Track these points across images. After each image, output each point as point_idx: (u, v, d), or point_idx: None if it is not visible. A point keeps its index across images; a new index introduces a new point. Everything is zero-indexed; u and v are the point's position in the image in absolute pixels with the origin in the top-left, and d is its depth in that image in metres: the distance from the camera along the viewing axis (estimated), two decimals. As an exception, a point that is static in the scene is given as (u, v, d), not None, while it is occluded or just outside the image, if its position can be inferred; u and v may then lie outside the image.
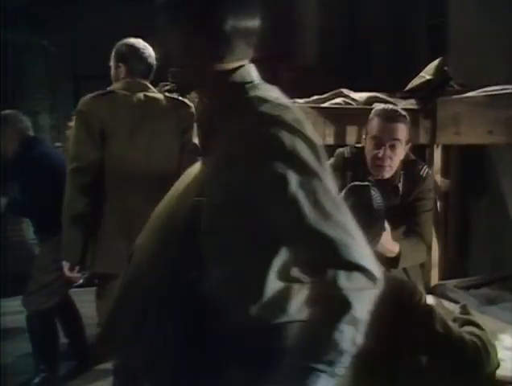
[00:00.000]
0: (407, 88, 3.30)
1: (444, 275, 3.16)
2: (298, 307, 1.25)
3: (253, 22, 1.19)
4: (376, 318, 1.52)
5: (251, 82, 1.19)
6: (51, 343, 3.33)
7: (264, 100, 1.11)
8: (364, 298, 1.07)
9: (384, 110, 2.38)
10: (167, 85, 3.61)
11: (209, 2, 1.13)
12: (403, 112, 2.38)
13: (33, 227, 3.60)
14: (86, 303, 3.59)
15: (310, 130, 1.12)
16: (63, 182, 2.71)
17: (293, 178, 1.06)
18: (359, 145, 2.55)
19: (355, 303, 1.05)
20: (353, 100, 3.49)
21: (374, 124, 2.33)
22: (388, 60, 5.37)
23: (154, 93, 2.73)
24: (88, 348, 3.60)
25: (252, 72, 1.22)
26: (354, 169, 2.39)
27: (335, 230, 1.06)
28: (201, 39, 1.14)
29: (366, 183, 1.89)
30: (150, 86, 2.73)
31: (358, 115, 3.30)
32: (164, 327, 1.51)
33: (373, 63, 5.58)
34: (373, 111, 2.42)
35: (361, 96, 3.55)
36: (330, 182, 1.12)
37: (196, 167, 1.57)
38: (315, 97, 3.52)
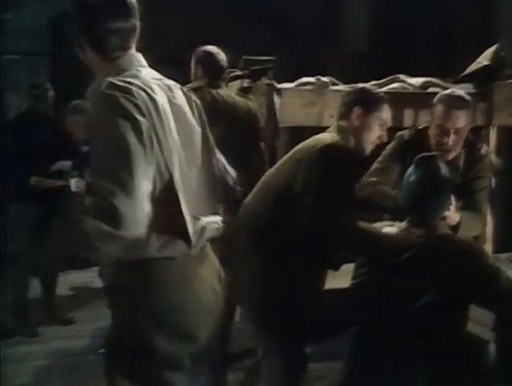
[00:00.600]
0: (465, 73, 3.47)
1: (498, 248, 3.34)
2: None
3: (123, 24, 1.52)
4: (449, 275, 1.79)
5: (125, 69, 1.52)
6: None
7: (106, 81, 1.45)
8: None
9: (448, 97, 2.44)
10: (232, 72, 3.90)
11: (83, 13, 1.51)
12: (467, 97, 2.47)
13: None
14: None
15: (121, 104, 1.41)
16: None
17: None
18: (420, 127, 2.67)
19: None
20: (409, 84, 3.71)
21: (439, 111, 2.40)
22: (435, 48, 5.51)
23: (225, 89, 3.13)
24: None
25: (129, 61, 1.55)
26: (414, 150, 2.44)
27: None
28: (84, 38, 1.53)
29: (434, 154, 2.05)
30: (222, 83, 3.14)
31: (414, 99, 3.53)
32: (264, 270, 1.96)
33: (418, 51, 5.72)
34: (437, 97, 2.50)
35: (416, 80, 3.75)
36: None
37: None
38: (372, 82, 3.74)
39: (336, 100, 3.41)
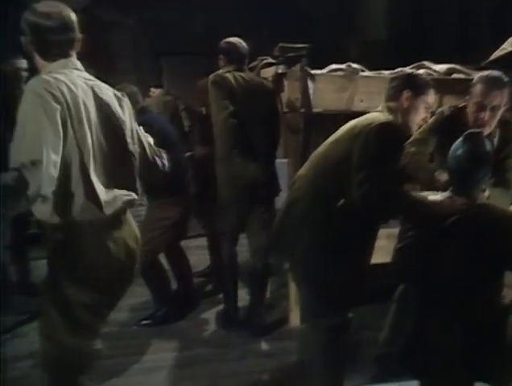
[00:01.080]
0: (489, 59, 3.63)
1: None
2: None
3: (62, 37, 1.93)
4: (488, 240, 1.98)
5: (59, 70, 1.92)
6: (163, 285, 3.86)
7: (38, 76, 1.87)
8: None
9: (488, 77, 2.64)
10: (264, 59, 4.08)
11: (32, 29, 1.92)
12: (505, 79, 2.65)
13: (143, 188, 4.13)
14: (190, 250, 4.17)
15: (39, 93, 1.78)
16: (167, 144, 3.35)
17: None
18: (460, 106, 2.85)
19: None
20: (434, 71, 3.88)
21: (478, 90, 2.61)
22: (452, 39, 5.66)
23: (247, 73, 3.56)
24: (195, 291, 4.17)
25: (58, 65, 1.93)
26: (452, 126, 2.68)
27: None
28: (32, 47, 1.95)
29: (480, 130, 2.25)
30: (245, 67, 3.55)
31: (439, 84, 3.70)
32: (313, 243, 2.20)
33: (436, 39, 5.87)
34: (477, 77, 2.70)
35: (441, 67, 3.92)
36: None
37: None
38: (399, 69, 3.91)
39: (366, 86, 3.65)
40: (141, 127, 3.78)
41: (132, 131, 2.13)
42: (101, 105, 1.98)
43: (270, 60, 3.92)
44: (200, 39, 4.10)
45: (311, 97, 3.46)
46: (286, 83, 3.53)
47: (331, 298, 2.28)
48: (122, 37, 6.43)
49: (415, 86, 2.32)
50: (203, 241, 4.64)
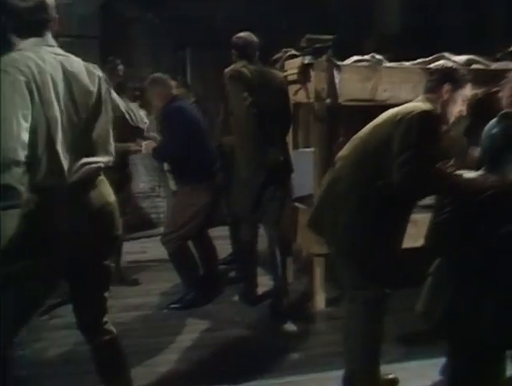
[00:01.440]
0: (510, 49, 3.75)
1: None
2: None
3: (36, 17, 2.05)
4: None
5: (32, 47, 2.07)
6: (192, 269, 4.02)
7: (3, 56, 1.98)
8: None
9: None
10: (288, 51, 4.20)
11: (8, 11, 2.05)
12: None
13: (173, 174, 4.28)
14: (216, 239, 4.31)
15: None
16: (197, 131, 3.79)
17: None
18: (493, 90, 2.95)
19: None
20: (453, 62, 4.00)
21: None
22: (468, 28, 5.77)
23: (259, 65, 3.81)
24: (220, 276, 4.31)
25: (30, 43, 2.06)
26: (485, 108, 2.71)
27: None
28: (10, 27, 2.08)
29: None
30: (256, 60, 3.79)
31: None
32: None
33: (450, 32, 5.97)
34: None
35: (460, 58, 4.04)
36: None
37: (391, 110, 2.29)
38: (419, 60, 4.04)
39: (389, 76, 3.77)
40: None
41: (104, 102, 2.20)
42: (69, 78, 2.07)
43: (294, 52, 4.04)
44: (222, 31, 4.21)
45: (337, 87, 3.59)
46: (312, 73, 3.64)
47: (368, 273, 2.43)
48: (143, 31, 6.55)
49: (455, 80, 2.47)
50: (222, 231, 4.79)
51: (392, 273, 2.48)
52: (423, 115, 2.29)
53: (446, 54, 4.05)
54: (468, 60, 4.02)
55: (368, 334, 2.47)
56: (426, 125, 2.28)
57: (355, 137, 2.52)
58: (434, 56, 4.01)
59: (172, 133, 3.83)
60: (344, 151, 2.53)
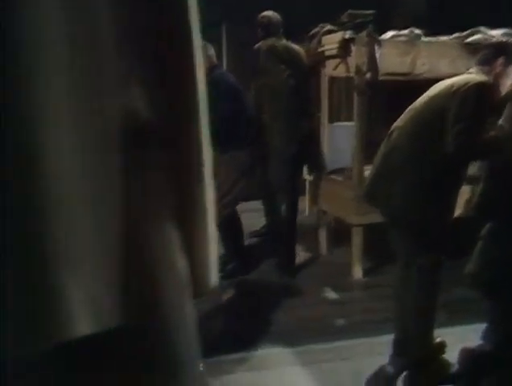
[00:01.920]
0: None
1: None
2: None
3: None
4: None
5: None
6: (238, 237, 4.13)
7: None
8: None
9: None
10: (324, 27, 4.25)
11: None
12: None
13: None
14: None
15: None
16: (237, 100, 3.88)
17: None
18: None
19: None
20: (490, 36, 4.04)
21: None
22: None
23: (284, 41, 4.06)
24: (246, 252, 4.36)
25: None
26: None
27: None
28: None
29: None
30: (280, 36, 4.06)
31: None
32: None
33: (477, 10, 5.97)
34: None
35: (497, 32, 4.08)
36: None
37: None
38: (456, 34, 4.09)
39: (427, 50, 3.83)
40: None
41: None
42: None
43: (331, 27, 4.10)
44: (260, 9, 4.28)
45: (378, 61, 3.65)
46: (353, 48, 3.71)
47: (424, 243, 2.52)
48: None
49: (510, 54, 2.54)
50: (254, 205, 4.82)
51: (448, 242, 2.58)
52: (479, 86, 2.37)
53: (482, 28, 4.09)
54: (504, 34, 4.05)
55: (423, 299, 2.55)
56: (481, 96, 2.36)
57: (411, 107, 2.59)
58: (470, 30, 4.06)
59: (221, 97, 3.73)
60: (400, 122, 2.60)
